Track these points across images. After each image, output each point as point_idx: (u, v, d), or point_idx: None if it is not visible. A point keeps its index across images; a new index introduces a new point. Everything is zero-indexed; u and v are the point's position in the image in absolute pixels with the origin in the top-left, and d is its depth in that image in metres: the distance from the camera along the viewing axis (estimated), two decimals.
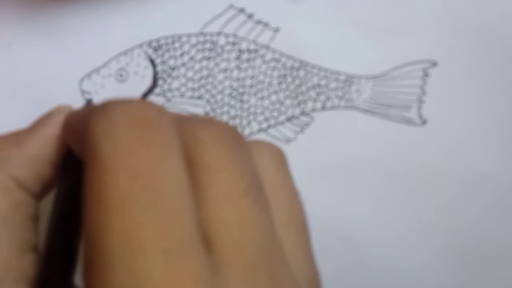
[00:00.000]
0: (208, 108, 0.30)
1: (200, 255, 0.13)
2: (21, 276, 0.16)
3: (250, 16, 0.30)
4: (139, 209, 0.13)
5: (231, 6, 0.30)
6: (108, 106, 0.15)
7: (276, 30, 0.30)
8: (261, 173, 0.16)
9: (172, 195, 0.13)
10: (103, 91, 0.30)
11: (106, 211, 0.13)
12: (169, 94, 0.30)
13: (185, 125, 0.15)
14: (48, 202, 0.19)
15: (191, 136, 0.15)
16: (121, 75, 0.30)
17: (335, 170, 0.30)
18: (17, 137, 0.18)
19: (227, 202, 0.14)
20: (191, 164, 0.15)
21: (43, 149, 0.18)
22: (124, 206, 0.13)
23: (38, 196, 0.18)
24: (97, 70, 0.30)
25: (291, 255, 0.15)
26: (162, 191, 0.13)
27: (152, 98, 0.30)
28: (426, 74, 0.30)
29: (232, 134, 0.16)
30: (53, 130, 0.19)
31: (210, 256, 0.13)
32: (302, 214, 0.17)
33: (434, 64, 0.29)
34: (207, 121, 0.16)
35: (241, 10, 0.30)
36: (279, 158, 0.18)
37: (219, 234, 0.14)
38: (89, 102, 0.22)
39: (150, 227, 0.13)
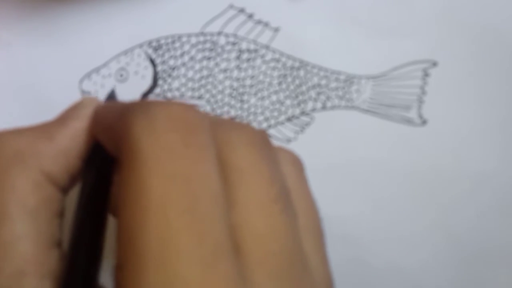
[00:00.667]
0: (208, 108, 0.30)
1: (232, 260, 0.13)
2: (46, 272, 0.16)
3: (250, 16, 0.30)
4: (178, 213, 0.13)
5: (231, 6, 0.30)
6: (150, 106, 0.15)
7: (276, 30, 0.30)
8: (285, 179, 0.16)
9: (209, 199, 0.14)
10: (103, 91, 0.30)
11: (144, 213, 0.13)
12: (169, 94, 0.30)
13: (219, 127, 0.15)
14: (72, 196, 0.19)
15: (225, 139, 0.15)
16: (121, 75, 0.30)
17: (335, 170, 0.30)
18: (47, 130, 0.18)
19: (258, 207, 0.14)
20: (224, 166, 0.15)
21: (73, 143, 0.18)
22: (163, 209, 0.13)
23: (65, 190, 0.18)
24: (97, 70, 0.30)
25: (310, 260, 0.15)
26: (199, 196, 0.13)
27: (152, 98, 0.30)
28: (426, 74, 0.30)
29: (263, 139, 0.16)
30: (82, 123, 0.18)
31: (239, 261, 0.13)
32: (319, 220, 0.18)
33: (434, 64, 0.29)
34: (240, 125, 0.16)
35: (241, 10, 0.30)
36: (299, 165, 0.18)
37: (248, 239, 0.14)
38: (112, 93, 0.22)
39: (187, 232, 0.13)
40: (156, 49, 0.30)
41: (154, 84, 0.30)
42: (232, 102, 0.30)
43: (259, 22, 0.30)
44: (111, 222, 0.18)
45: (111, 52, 0.30)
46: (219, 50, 0.30)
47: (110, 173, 0.18)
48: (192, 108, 0.15)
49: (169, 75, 0.30)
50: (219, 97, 0.30)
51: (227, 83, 0.30)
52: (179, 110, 0.15)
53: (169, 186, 0.13)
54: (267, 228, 0.14)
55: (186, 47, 0.30)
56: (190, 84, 0.30)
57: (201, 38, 0.30)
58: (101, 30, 0.30)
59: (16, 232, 0.16)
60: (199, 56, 0.30)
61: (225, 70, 0.30)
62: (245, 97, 0.30)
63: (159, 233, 0.13)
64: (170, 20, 0.30)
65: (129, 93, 0.30)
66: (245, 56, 0.30)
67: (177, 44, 0.30)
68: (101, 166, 0.18)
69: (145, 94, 0.30)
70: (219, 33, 0.30)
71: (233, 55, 0.30)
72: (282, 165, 0.17)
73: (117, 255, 0.13)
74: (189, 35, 0.30)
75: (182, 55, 0.30)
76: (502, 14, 0.29)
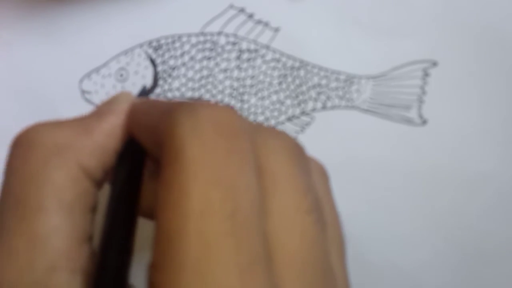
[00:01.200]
0: None
1: (267, 270, 0.13)
2: (78, 267, 0.16)
3: (251, 16, 0.30)
4: (219, 219, 0.13)
5: (231, 6, 0.30)
6: (195, 107, 0.15)
7: (277, 30, 0.30)
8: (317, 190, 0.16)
9: (249, 208, 0.14)
10: (103, 91, 0.30)
11: (186, 215, 0.13)
12: (169, 94, 0.30)
13: (257, 133, 0.16)
14: (104, 191, 0.19)
15: (263, 145, 0.15)
16: (121, 75, 0.30)
17: (335, 170, 0.30)
18: (85, 124, 0.18)
19: (292, 217, 0.14)
20: (260, 172, 0.15)
21: (110, 138, 0.18)
22: (204, 213, 0.13)
23: (100, 184, 0.18)
24: (97, 70, 0.30)
25: (335, 271, 0.16)
26: (240, 203, 0.13)
27: (153, 98, 0.30)
28: (426, 74, 0.30)
29: (299, 148, 0.16)
30: (119, 119, 0.18)
31: (272, 269, 0.14)
32: (342, 232, 0.18)
33: (435, 64, 0.29)
34: (277, 132, 0.16)
35: (242, 10, 0.30)
36: (326, 176, 0.18)
37: (281, 248, 0.14)
38: (144, 90, 0.21)
39: (227, 239, 0.13)
40: (156, 49, 0.30)
41: (155, 84, 0.30)
42: (233, 102, 0.30)
43: (259, 22, 0.30)
44: (141, 221, 0.18)
45: (111, 52, 0.30)
46: (219, 50, 0.30)
47: (142, 169, 0.18)
48: (236, 112, 0.15)
49: (169, 75, 0.30)
50: (219, 97, 0.30)
51: (227, 83, 0.30)
52: (224, 114, 0.15)
53: (212, 191, 0.13)
54: (300, 239, 0.14)
55: (186, 47, 0.30)
56: (190, 84, 0.30)
57: (201, 38, 0.30)
58: (101, 30, 0.30)
59: (50, 226, 0.16)
60: (199, 56, 0.30)
61: (225, 70, 0.30)
62: (246, 97, 0.30)
63: (199, 237, 0.13)
64: (170, 20, 0.30)
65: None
66: (245, 56, 0.30)
67: (177, 44, 0.30)
68: (134, 162, 0.18)
69: (146, 94, 0.30)
70: (219, 33, 0.30)
71: (233, 55, 0.30)
72: (313, 175, 0.17)
73: (154, 255, 0.13)
74: (189, 35, 0.30)
75: (182, 55, 0.30)
76: (502, 14, 0.29)
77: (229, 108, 0.15)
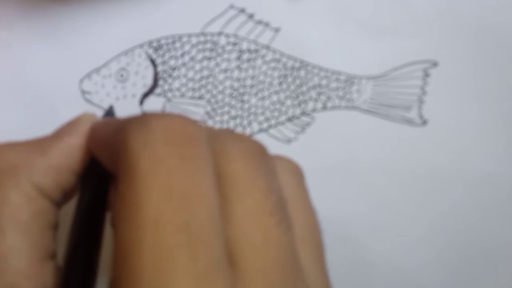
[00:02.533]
0: (209, 108, 0.30)
1: (226, 276, 0.13)
2: (40, 285, 0.16)
3: (251, 16, 0.30)
4: (173, 231, 0.13)
5: (231, 6, 0.30)
6: (146, 119, 0.15)
7: (277, 30, 0.30)
8: (283, 189, 0.16)
9: (205, 216, 0.13)
10: (104, 91, 0.30)
11: (140, 229, 0.13)
12: (169, 94, 0.30)
13: (215, 138, 0.15)
14: (66, 209, 0.19)
15: (221, 150, 0.15)
16: (121, 75, 0.30)
17: (335, 170, 0.30)
18: (41, 145, 0.18)
19: (254, 220, 0.14)
20: (220, 177, 0.15)
21: (66, 158, 0.18)
22: (159, 226, 0.13)
23: (59, 204, 0.18)
24: (97, 70, 0.30)
25: (308, 272, 0.15)
26: (195, 213, 0.13)
27: (153, 98, 0.30)
28: (426, 75, 0.30)
29: (260, 150, 0.16)
30: (77, 139, 0.18)
31: (233, 274, 0.13)
32: (318, 230, 0.17)
33: (435, 64, 0.29)
34: (236, 136, 0.16)
35: (242, 10, 0.30)
36: (298, 174, 0.18)
37: (244, 252, 0.14)
38: (110, 110, 0.22)
39: (182, 249, 0.13)
40: (156, 49, 0.30)
41: (155, 84, 0.30)
42: (233, 102, 0.30)
43: (259, 22, 0.30)
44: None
45: (111, 52, 0.30)
46: (220, 50, 0.30)
47: (106, 189, 0.18)
48: (189, 120, 0.15)
49: (170, 75, 0.30)
50: (220, 97, 0.30)
51: (228, 83, 0.30)
52: (176, 122, 0.15)
53: (165, 201, 0.13)
54: (263, 242, 0.14)
55: (187, 47, 0.30)
56: (190, 84, 0.30)
57: (202, 38, 0.30)
58: (102, 30, 0.30)
59: (8, 246, 0.16)
60: (200, 56, 0.30)
61: (225, 70, 0.30)
62: (246, 97, 0.30)
63: (154, 250, 0.13)
64: (170, 20, 0.30)
65: (129, 93, 0.30)
66: (245, 56, 0.30)
67: (178, 44, 0.30)
68: (98, 182, 0.18)
69: (146, 94, 0.30)
70: (220, 33, 0.30)
71: (234, 55, 0.30)
72: (280, 175, 0.16)
73: (112, 270, 0.13)
74: (189, 35, 0.30)
75: (182, 55, 0.30)
76: (503, 15, 0.29)
77: (181, 116, 0.15)
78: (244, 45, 0.30)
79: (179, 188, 0.13)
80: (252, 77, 0.30)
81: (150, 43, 0.30)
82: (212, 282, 0.13)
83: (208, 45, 0.30)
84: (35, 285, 0.16)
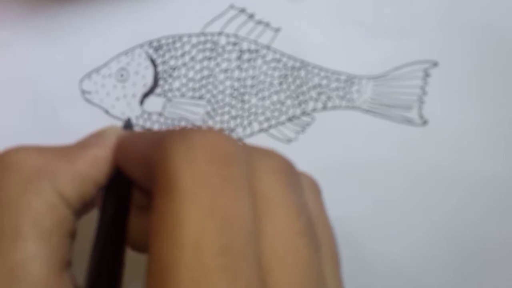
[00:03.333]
0: (209, 108, 0.30)
1: None
2: None
3: (251, 16, 0.30)
4: (214, 253, 0.13)
5: (232, 6, 0.30)
6: (188, 135, 0.14)
7: (277, 30, 0.30)
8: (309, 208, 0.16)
9: (244, 238, 0.13)
10: (104, 91, 0.30)
11: (179, 248, 0.13)
12: (169, 94, 0.30)
13: (248, 155, 0.15)
14: (85, 222, 0.19)
15: (254, 168, 0.15)
16: (121, 75, 0.30)
17: (336, 170, 0.30)
18: (68, 153, 0.18)
19: (285, 240, 0.14)
20: (253, 195, 0.15)
21: (92, 169, 0.18)
22: (199, 246, 0.13)
23: (78, 214, 0.18)
24: (97, 70, 0.30)
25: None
26: (235, 234, 0.13)
27: (153, 98, 0.30)
28: (427, 75, 0.30)
29: (289, 167, 0.16)
30: (103, 152, 0.18)
31: None
32: (337, 248, 0.17)
33: (435, 64, 0.29)
34: (266, 152, 0.16)
35: (242, 10, 0.30)
36: (317, 190, 0.18)
37: (275, 271, 0.14)
38: (129, 122, 0.22)
39: (222, 273, 0.13)
40: (156, 49, 0.30)
41: (155, 84, 0.30)
42: (233, 102, 0.30)
43: (260, 22, 0.30)
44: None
45: (111, 52, 0.30)
46: (220, 50, 0.30)
47: (129, 201, 0.18)
48: (229, 137, 0.15)
49: (170, 75, 0.30)
50: (220, 97, 0.30)
51: (228, 83, 0.30)
52: (217, 139, 0.14)
53: (206, 222, 0.13)
54: (293, 263, 0.14)
55: (187, 47, 0.30)
56: (191, 84, 0.30)
57: (202, 38, 0.30)
58: (102, 29, 0.30)
59: (28, 254, 0.15)
60: (200, 56, 0.30)
61: (226, 70, 0.30)
62: (246, 97, 0.30)
63: (193, 271, 0.13)
64: (171, 20, 0.30)
65: (129, 93, 0.30)
66: (246, 56, 0.30)
67: (178, 44, 0.30)
68: (122, 194, 0.18)
69: (146, 94, 0.30)
70: (220, 33, 0.30)
71: (234, 55, 0.30)
72: (304, 193, 0.16)
73: (147, 286, 0.13)
74: (189, 35, 0.30)
75: (183, 55, 0.30)
76: (504, 16, 0.29)
77: (221, 133, 0.15)
78: (245, 45, 0.30)
79: (220, 208, 0.13)
80: (253, 77, 0.30)
81: (150, 43, 0.30)
82: None
83: (209, 45, 0.30)
84: None
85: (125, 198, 0.18)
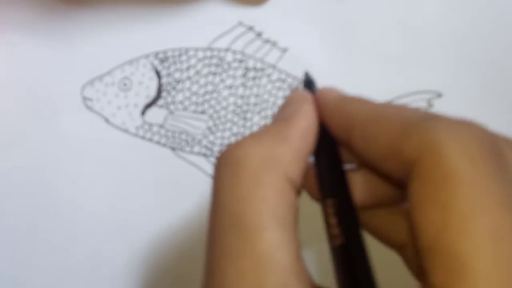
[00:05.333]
0: (210, 123, 0.29)
1: None
2: (304, 282, 0.15)
3: (259, 34, 0.30)
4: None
5: (240, 23, 0.30)
6: (456, 125, 0.15)
7: (284, 50, 0.30)
8: None
9: None
10: (105, 99, 0.30)
11: (476, 239, 0.13)
12: (172, 107, 0.29)
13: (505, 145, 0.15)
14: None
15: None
16: (125, 84, 0.30)
17: None
18: (281, 133, 0.17)
19: None
20: None
21: (303, 143, 0.17)
22: (500, 238, 0.13)
23: (299, 192, 0.18)
24: (100, 78, 0.30)
25: None
26: None
27: (155, 109, 0.29)
28: (430, 105, 0.30)
29: None
30: (308, 120, 0.18)
31: None
32: None
33: (439, 95, 0.30)
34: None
35: (250, 28, 0.30)
36: None
37: None
38: (307, 76, 0.21)
39: None
40: (162, 61, 0.30)
41: (158, 95, 0.29)
42: (235, 119, 0.30)
43: (267, 41, 0.30)
44: None
45: (116, 60, 0.30)
46: (226, 66, 0.30)
47: (341, 161, 0.18)
48: (489, 129, 0.15)
49: (174, 88, 0.30)
50: (222, 113, 0.29)
51: (232, 99, 0.30)
52: (484, 130, 0.15)
53: (500, 212, 0.13)
54: None
55: (193, 61, 0.30)
56: (194, 98, 0.29)
57: (208, 53, 0.30)
58: (107, 37, 0.30)
59: (273, 243, 0.15)
60: (205, 71, 0.30)
61: (230, 87, 0.30)
62: (249, 115, 0.30)
63: (499, 264, 0.13)
64: (178, 33, 0.30)
65: (131, 102, 0.30)
66: (251, 74, 0.30)
67: (184, 58, 0.30)
68: (333, 155, 0.18)
69: (148, 105, 0.29)
70: (227, 50, 0.30)
71: (239, 72, 0.30)
72: None
73: (439, 278, 0.13)
74: (196, 49, 0.30)
75: (188, 68, 0.30)
76: (508, 50, 0.30)
77: (484, 126, 0.15)
78: (251, 63, 0.30)
79: (509, 200, 0.13)
80: (256, 96, 0.30)
81: (156, 54, 0.30)
82: None
83: (214, 61, 0.30)
84: (302, 281, 0.15)
85: (337, 159, 0.18)
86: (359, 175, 0.18)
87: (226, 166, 0.16)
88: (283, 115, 0.18)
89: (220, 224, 0.16)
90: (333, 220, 0.17)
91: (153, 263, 0.29)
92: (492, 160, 0.14)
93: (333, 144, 0.18)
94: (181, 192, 0.29)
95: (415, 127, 0.15)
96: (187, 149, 0.29)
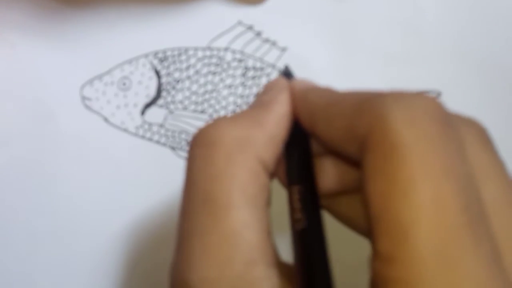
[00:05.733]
0: None
1: (500, 261, 0.13)
2: (271, 260, 0.16)
3: (258, 34, 0.30)
4: (455, 212, 0.13)
5: (240, 23, 0.30)
6: (405, 97, 0.15)
7: (284, 49, 0.30)
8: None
9: (475, 199, 0.14)
10: (104, 98, 0.30)
11: (418, 209, 0.13)
12: (172, 106, 0.29)
13: (453, 120, 0.15)
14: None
15: (462, 133, 0.15)
16: (124, 84, 0.30)
17: None
18: (256, 117, 0.18)
19: (505, 210, 0.15)
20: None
21: (278, 128, 0.18)
22: (439, 207, 0.13)
23: (271, 176, 0.18)
24: (100, 77, 0.30)
25: None
26: (470, 195, 0.13)
27: (155, 109, 0.29)
28: None
29: (487, 132, 0.17)
30: (285, 108, 0.18)
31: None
32: None
33: (438, 94, 0.30)
34: (465, 119, 0.16)
35: (250, 27, 0.30)
36: (485, 139, 0.17)
37: (500, 235, 0.14)
38: (287, 69, 0.21)
39: (468, 229, 0.13)
40: (161, 61, 0.30)
41: (158, 95, 0.29)
42: None
43: (266, 40, 0.30)
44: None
45: (115, 59, 0.30)
46: (225, 66, 0.30)
47: (311, 153, 0.19)
48: (440, 101, 0.15)
49: (173, 87, 0.30)
50: (222, 112, 0.29)
51: (231, 99, 0.30)
52: (433, 101, 0.15)
53: (442, 182, 0.13)
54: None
55: (192, 61, 0.30)
56: (193, 98, 0.29)
57: (208, 53, 0.30)
58: (107, 36, 0.30)
59: (241, 221, 0.16)
60: (205, 70, 0.29)
61: (229, 86, 0.30)
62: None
63: (437, 230, 0.13)
64: (177, 32, 0.30)
65: (131, 102, 0.30)
66: (250, 73, 0.30)
67: (183, 57, 0.30)
68: (303, 147, 0.19)
69: (148, 105, 0.29)
70: (226, 49, 0.30)
71: (239, 71, 0.30)
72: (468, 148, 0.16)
73: (382, 247, 0.13)
74: (196, 49, 0.30)
75: (187, 68, 0.30)
76: (507, 49, 0.30)
77: (434, 97, 0.15)
78: (250, 62, 0.30)
79: (452, 169, 0.13)
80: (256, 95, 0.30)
81: (155, 54, 0.30)
82: (496, 266, 0.13)
83: (214, 60, 0.30)
84: (268, 260, 0.16)
85: (307, 148, 0.19)
86: (327, 162, 0.19)
87: (201, 146, 0.17)
88: (261, 101, 0.19)
89: (192, 201, 0.16)
90: (298, 206, 0.17)
91: (154, 262, 0.29)
92: (437, 128, 0.14)
93: (303, 134, 0.19)
94: (181, 192, 0.29)
95: (366, 104, 0.15)
96: (187, 148, 0.29)
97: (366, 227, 0.19)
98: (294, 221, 0.17)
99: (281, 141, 0.18)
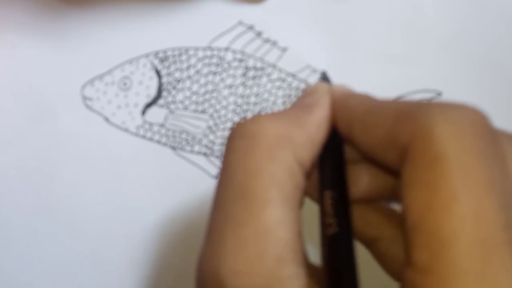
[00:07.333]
0: (211, 122, 0.29)
1: None
2: (301, 259, 0.16)
3: (259, 34, 0.30)
4: (497, 228, 0.13)
5: (240, 23, 0.30)
6: (448, 109, 0.15)
7: (284, 49, 0.30)
8: None
9: None
10: (105, 98, 0.30)
11: (460, 221, 0.13)
12: (172, 106, 0.29)
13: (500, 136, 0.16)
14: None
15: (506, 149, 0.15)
16: (124, 84, 0.30)
17: None
18: (298, 118, 0.18)
19: None
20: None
21: (318, 131, 0.18)
22: (482, 220, 0.13)
23: (307, 176, 0.18)
24: (100, 77, 0.30)
25: None
26: (510, 209, 0.14)
27: (155, 109, 0.29)
28: None
29: None
30: (326, 112, 0.18)
31: None
32: None
33: (439, 94, 0.30)
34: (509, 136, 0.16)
35: (250, 27, 0.30)
36: None
37: None
38: (324, 75, 0.22)
39: (508, 246, 0.13)
40: (162, 60, 0.30)
41: (158, 95, 0.29)
42: (235, 118, 0.30)
43: (267, 40, 0.30)
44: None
45: (116, 59, 0.30)
46: (226, 65, 0.30)
47: (344, 159, 0.19)
48: (486, 115, 0.15)
49: (174, 87, 0.30)
50: (223, 112, 0.29)
51: (232, 99, 0.30)
52: (480, 115, 0.15)
53: (486, 196, 0.13)
54: None
55: (193, 61, 0.30)
56: (194, 98, 0.29)
57: (208, 53, 0.30)
58: (107, 37, 0.30)
59: (276, 218, 0.16)
60: (205, 70, 0.30)
61: (230, 86, 0.30)
62: (249, 115, 0.30)
63: (477, 244, 0.13)
64: (178, 32, 0.30)
65: (131, 102, 0.30)
66: (251, 73, 0.30)
67: (184, 57, 0.30)
68: (338, 152, 0.19)
69: (149, 105, 0.29)
70: (227, 49, 0.30)
71: (239, 71, 0.30)
72: None
73: (420, 257, 0.13)
74: (196, 49, 0.30)
75: (188, 68, 0.30)
76: (508, 50, 0.30)
77: (479, 110, 0.15)
78: (251, 62, 0.30)
79: (497, 183, 0.13)
80: (256, 95, 0.30)
81: (156, 54, 0.30)
82: None
83: (215, 60, 0.30)
84: (299, 259, 0.16)
85: (341, 154, 0.19)
86: (360, 168, 0.19)
87: (241, 139, 0.17)
88: (302, 103, 0.19)
89: (228, 194, 0.16)
90: (330, 211, 0.17)
91: (154, 262, 0.29)
92: (482, 142, 0.14)
93: (338, 140, 0.19)
94: (182, 191, 0.29)
95: (408, 114, 0.15)
96: (188, 148, 0.29)
97: (371, 236, 0.19)
98: (325, 226, 0.17)
99: (319, 144, 0.18)
